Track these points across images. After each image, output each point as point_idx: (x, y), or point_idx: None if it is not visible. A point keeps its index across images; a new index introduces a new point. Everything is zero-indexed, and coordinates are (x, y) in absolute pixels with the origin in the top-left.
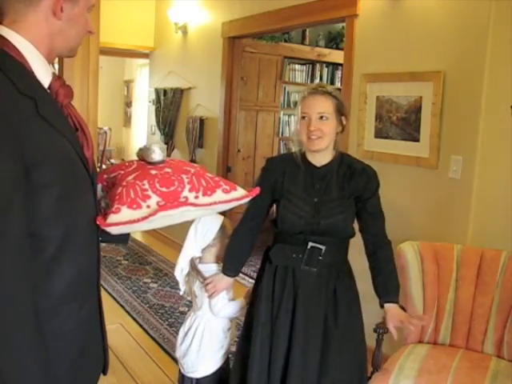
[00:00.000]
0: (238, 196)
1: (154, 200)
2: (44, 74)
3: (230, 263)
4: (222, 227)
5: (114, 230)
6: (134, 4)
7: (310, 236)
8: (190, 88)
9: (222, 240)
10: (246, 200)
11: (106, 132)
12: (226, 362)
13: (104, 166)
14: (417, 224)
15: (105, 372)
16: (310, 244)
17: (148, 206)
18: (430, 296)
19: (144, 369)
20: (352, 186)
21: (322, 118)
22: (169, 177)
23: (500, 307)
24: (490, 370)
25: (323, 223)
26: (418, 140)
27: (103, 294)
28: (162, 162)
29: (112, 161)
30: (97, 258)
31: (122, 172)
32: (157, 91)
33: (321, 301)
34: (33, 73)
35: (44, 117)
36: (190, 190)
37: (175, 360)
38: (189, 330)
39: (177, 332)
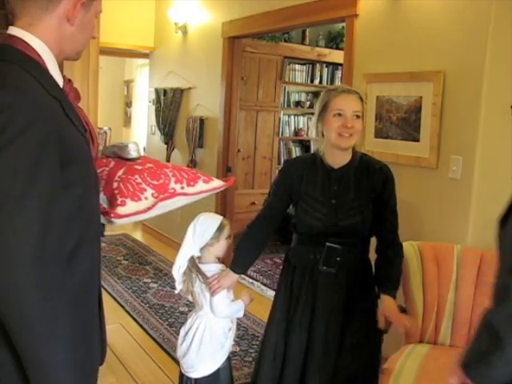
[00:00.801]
0: (217, 185)
1: (149, 192)
2: (58, 76)
3: (239, 259)
4: (220, 227)
5: (122, 222)
6: (133, 4)
7: (328, 237)
8: (189, 88)
9: (220, 240)
10: (224, 188)
11: (106, 132)
12: (227, 362)
13: None
14: (417, 224)
15: (101, 362)
16: (328, 244)
17: (146, 198)
18: (430, 296)
19: (144, 369)
20: (369, 186)
21: (356, 116)
22: (154, 171)
23: None
24: None
25: (341, 225)
26: (418, 140)
27: (103, 293)
28: (139, 158)
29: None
30: (99, 248)
31: (107, 168)
32: (157, 91)
33: (339, 299)
34: (51, 74)
35: (69, 117)
36: (176, 182)
37: (175, 360)
38: (189, 329)
39: (177, 332)
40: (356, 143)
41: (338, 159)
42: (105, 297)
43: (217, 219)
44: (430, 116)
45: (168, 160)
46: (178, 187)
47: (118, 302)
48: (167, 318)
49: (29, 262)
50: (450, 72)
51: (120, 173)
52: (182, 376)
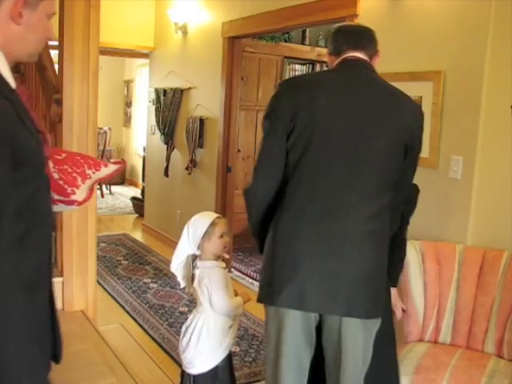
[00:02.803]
0: (114, 168)
1: (79, 179)
2: (9, 76)
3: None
4: (212, 225)
5: (79, 206)
6: (134, 4)
7: None
8: (190, 88)
9: (212, 238)
10: (120, 169)
11: (105, 132)
12: (227, 360)
13: None
14: (417, 224)
15: (57, 361)
16: None
17: (82, 184)
18: (432, 295)
19: (144, 369)
20: None
21: None
22: (72, 160)
23: (501, 307)
24: (488, 369)
25: None
26: None
27: (103, 293)
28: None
29: (112, 161)
30: (49, 249)
31: None
32: (157, 91)
33: None
34: (1, 75)
35: (22, 119)
36: (89, 168)
37: (175, 360)
38: (190, 325)
39: (177, 332)
40: None
41: None
42: (105, 297)
43: (208, 218)
44: (430, 116)
45: (168, 160)
46: (91, 172)
47: (118, 302)
48: (167, 318)
49: None
50: (450, 72)
51: (51, 164)
52: (183, 373)
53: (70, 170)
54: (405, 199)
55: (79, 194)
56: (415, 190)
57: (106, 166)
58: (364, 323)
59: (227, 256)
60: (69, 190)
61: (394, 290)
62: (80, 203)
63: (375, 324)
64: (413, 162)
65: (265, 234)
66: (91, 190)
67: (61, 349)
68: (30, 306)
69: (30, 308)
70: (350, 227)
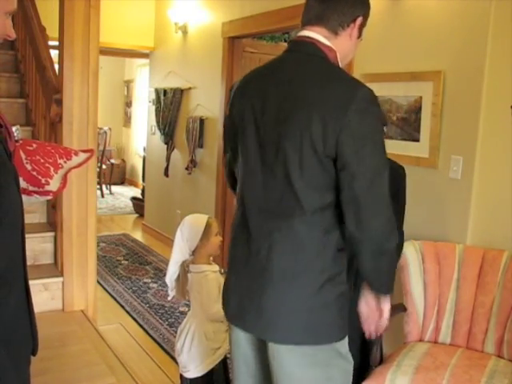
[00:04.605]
0: (85, 157)
1: (51, 169)
2: None
3: None
4: (207, 226)
5: (54, 196)
6: (134, 4)
7: None
8: (189, 88)
9: (210, 238)
10: (90, 158)
11: (105, 132)
12: (222, 364)
13: (104, 166)
14: (417, 224)
15: (34, 353)
16: None
17: (55, 174)
18: (431, 295)
19: (144, 369)
20: None
21: None
22: (43, 150)
23: (501, 307)
24: (488, 369)
25: None
26: (418, 140)
27: (103, 293)
28: (20, 139)
29: (112, 161)
30: (21, 243)
31: None
32: (157, 91)
33: None
34: None
35: None
36: (60, 158)
37: (175, 360)
38: (183, 328)
39: (177, 332)
40: None
41: None
42: (105, 297)
43: (202, 219)
44: (430, 116)
45: (168, 160)
46: (62, 162)
47: (118, 302)
48: (167, 317)
49: None
50: (450, 72)
51: (23, 156)
52: (181, 375)
53: (42, 160)
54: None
55: (53, 184)
56: None
57: (76, 154)
58: (295, 350)
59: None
60: (43, 181)
61: (367, 297)
62: (55, 193)
63: (324, 353)
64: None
65: None
66: (64, 179)
67: (37, 343)
68: (2, 303)
69: (1, 306)
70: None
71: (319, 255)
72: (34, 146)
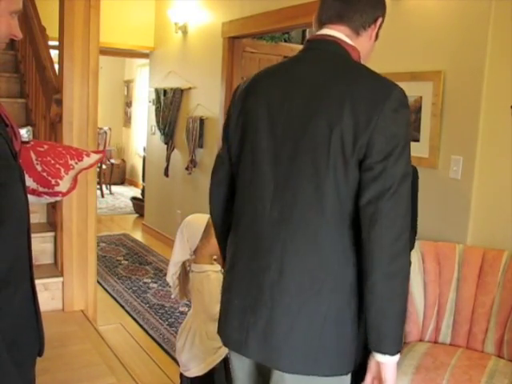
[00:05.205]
0: (97, 158)
1: (62, 170)
2: None
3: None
4: (208, 226)
5: (64, 197)
6: (134, 4)
7: None
8: (190, 88)
9: (210, 239)
10: (102, 159)
11: (105, 132)
12: (223, 364)
13: (104, 166)
14: (417, 224)
15: (40, 354)
16: None
17: (65, 175)
18: (431, 295)
19: (144, 369)
20: None
21: None
22: (54, 151)
23: (501, 307)
24: (488, 369)
25: None
26: (418, 140)
27: (103, 293)
28: (31, 140)
29: (112, 161)
30: (27, 242)
31: None
32: (157, 91)
33: None
34: None
35: None
36: (71, 159)
37: (175, 360)
38: (184, 327)
39: (177, 332)
40: None
41: None
42: (105, 297)
43: (203, 219)
44: (429, 116)
45: (168, 160)
46: (73, 163)
47: (118, 302)
48: (167, 317)
49: None
50: (450, 72)
51: (34, 157)
52: (181, 374)
53: (52, 161)
54: None
55: (63, 185)
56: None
57: (88, 155)
58: (302, 380)
59: None
60: (53, 182)
61: (374, 361)
62: (64, 194)
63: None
64: None
65: None
66: (75, 180)
67: (43, 343)
68: (7, 303)
69: (6, 306)
70: None
71: (339, 273)
72: (45, 147)
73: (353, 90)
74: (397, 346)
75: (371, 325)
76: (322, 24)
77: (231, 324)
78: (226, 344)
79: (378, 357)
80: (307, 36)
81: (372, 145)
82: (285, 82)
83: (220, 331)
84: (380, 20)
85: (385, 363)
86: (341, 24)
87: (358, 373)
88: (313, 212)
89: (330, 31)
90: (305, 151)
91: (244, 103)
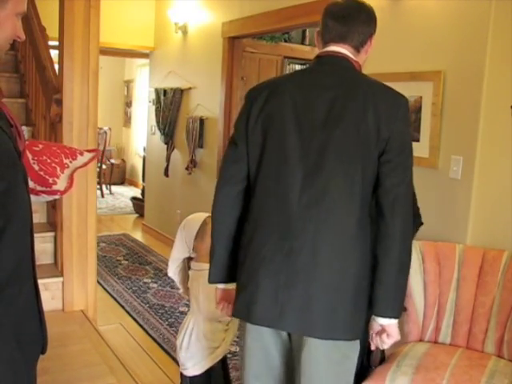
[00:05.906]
0: (90, 156)
1: (58, 169)
2: None
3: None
4: (203, 225)
5: (62, 195)
6: (134, 4)
7: None
8: (190, 88)
9: (204, 238)
10: (96, 157)
11: (105, 132)
12: (221, 363)
13: (104, 166)
14: None
15: (44, 351)
16: None
17: (61, 174)
18: (431, 295)
19: (144, 369)
20: None
21: None
22: (49, 150)
23: (501, 307)
24: (488, 369)
25: None
26: (418, 140)
27: (103, 293)
28: (26, 140)
29: (112, 161)
30: (30, 243)
31: None
32: (157, 91)
33: None
34: None
35: None
36: (65, 158)
37: (175, 360)
38: (183, 326)
39: (177, 332)
40: None
41: None
42: (105, 297)
43: (199, 218)
44: (429, 116)
45: (168, 160)
46: (68, 162)
47: (118, 302)
48: (167, 318)
49: None
50: (450, 72)
51: (30, 156)
52: (181, 373)
53: (48, 160)
54: None
55: (60, 184)
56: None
57: (81, 154)
58: (328, 343)
59: None
60: (50, 181)
61: (378, 324)
62: (62, 192)
63: (349, 346)
64: None
65: None
66: (71, 178)
67: (46, 342)
68: (12, 302)
69: (11, 305)
70: None
71: (363, 249)
72: (40, 146)
73: (373, 94)
74: (401, 310)
75: (382, 296)
76: (325, 43)
77: (262, 303)
78: (258, 322)
79: (384, 321)
80: (307, 36)
81: (391, 141)
82: (309, 86)
83: (246, 313)
84: (373, 36)
85: (390, 325)
86: (343, 43)
87: (359, 373)
88: (343, 196)
89: (338, 48)
90: (334, 144)
91: (266, 103)
